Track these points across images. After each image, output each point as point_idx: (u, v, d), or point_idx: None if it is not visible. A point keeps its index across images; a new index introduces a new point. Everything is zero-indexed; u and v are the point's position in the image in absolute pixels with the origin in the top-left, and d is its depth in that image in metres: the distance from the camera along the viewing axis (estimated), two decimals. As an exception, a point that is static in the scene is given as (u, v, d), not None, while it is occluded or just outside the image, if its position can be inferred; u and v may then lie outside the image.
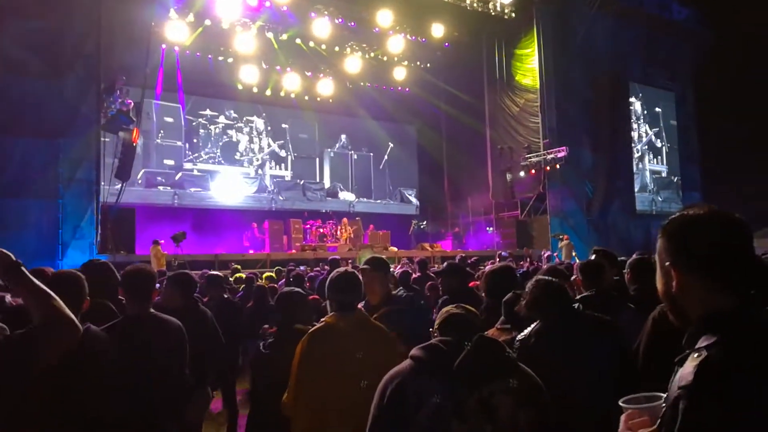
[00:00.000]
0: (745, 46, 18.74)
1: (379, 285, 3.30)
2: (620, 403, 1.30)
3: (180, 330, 2.88)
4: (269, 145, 20.79)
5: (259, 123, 20.64)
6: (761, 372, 1.04)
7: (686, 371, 1.10)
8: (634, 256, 3.83)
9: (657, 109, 22.08)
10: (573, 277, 4.01)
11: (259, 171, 20.50)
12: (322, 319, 2.74)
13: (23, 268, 1.70)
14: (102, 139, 13.94)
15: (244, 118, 20.27)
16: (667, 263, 1.23)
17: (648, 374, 2.52)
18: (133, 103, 14.12)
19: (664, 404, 1.17)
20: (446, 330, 1.82)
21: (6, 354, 1.65)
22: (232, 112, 20.00)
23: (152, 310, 2.84)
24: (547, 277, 2.63)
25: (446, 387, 1.68)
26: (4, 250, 1.69)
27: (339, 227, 17.80)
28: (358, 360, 2.47)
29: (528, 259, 15.47)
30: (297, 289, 3.59)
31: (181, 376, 2.86)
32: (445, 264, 4.83)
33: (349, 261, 11.52)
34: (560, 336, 2.38)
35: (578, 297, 3.41)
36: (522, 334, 2.48)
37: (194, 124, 19.23)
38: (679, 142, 22.51)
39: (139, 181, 17.61)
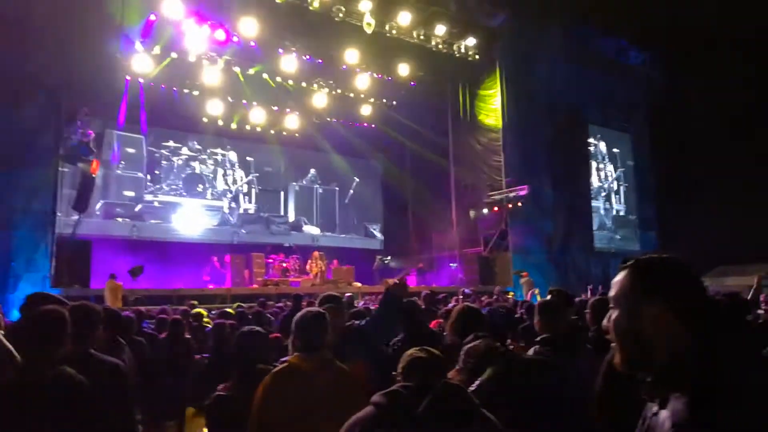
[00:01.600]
0: (700, 89, 19.58)
1: (337, 322, 3.33)
2: None
3: (115, 372, 2.75)
4: (241, 179, 20.65)
5: (231, 156, 20.52)
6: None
7: (678, 409, 1.11)
8: (590, 295, 3.90)
9: (615, 150, 22.82)
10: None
11: (233, 204, 20.29)
12: (285, 359, 2.70)
13: None
14: (60, 169, 13.63)
15: (208, 150, 20.11)
16: (644, 302, 1.24)
17: (603, 413, 2.56)
18: (93, 134, 13.90)
19: None
20: (409, 374, 1.81)
21: None
22: (195, 143, 19.81)
23: (92, 351, 2.72)
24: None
25: None
26: None
27: (310, 261, 17.61)
28: (322, 403, 2.43)
29: (494, 296, 15.56)
30: (257, 329, 3.52)
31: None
32: (403, 303, 4.80)
33: (313, 297, 11.40)
34: (512, 381, 2.40)
35: (537, 339, 3.45)
36: (476, 382, 2.48)
37: (156, 155, 18.97)
38: (636, 182, 23.24)
39: (98, 213, 17.18)
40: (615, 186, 22.71)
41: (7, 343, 1.66)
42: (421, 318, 4.61)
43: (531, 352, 3.40)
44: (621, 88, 22.31)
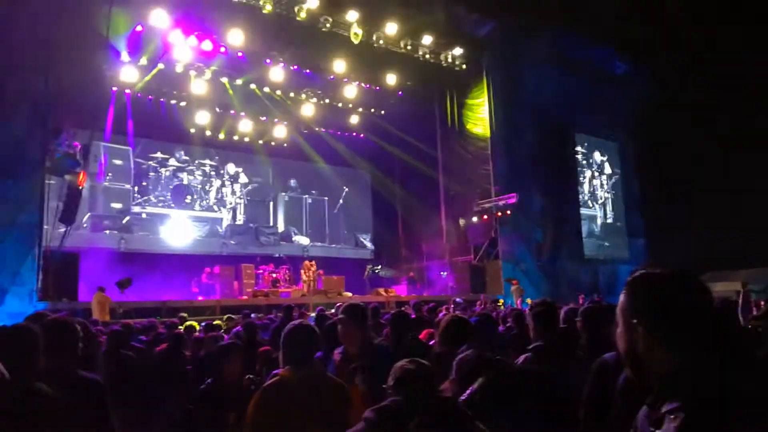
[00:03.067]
0: (684, 99, 19.82)
1: (354, 334, 3.26)
2: None
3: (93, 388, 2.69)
4: (232, 191, 20.58)
5: (220, 166, 20.46)
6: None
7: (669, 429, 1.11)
8: (581, 303, 3.91)
9: (601, 158, 23.00)
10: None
11: (223, 214, 20.21)
12: (276, 372, 2.68)
13: None
14: (47, 181, 13.50)
15: (196, 161, 20.02)
16: (635, 321, 1.25)
17: (590, 424, 2.57)
18: (80, 146, 13.77)
19: None
20: (399, 387, 1.79)
21: None
22: (182, 153, 19.70)
23: (77, 370, 2.68)
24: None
25: None
26: None
27: (302, 270, 17.51)
28: (313, 416, 2.41)
29: (482, 305, 15.57)
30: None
31: None
32: (390, 315, 4.79)
33: (303, 308, 11.36)
34: (502, 391, 2.39)
35: (530, 347, 3.45)
36: (467, 392, 2.47)
37: (144, 166, 18.86)
38: (623, 189, 23.42)
39: (85, 225, 17.02)
40: (603, 194, 22.87)
41: None
42: (410, 329, 4.58)
43: (521, 360, 3.40)
44: (608, 96, 22.51)
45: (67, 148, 13.23)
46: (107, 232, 17.71)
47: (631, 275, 1.33)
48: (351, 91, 19.04)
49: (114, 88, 16.36)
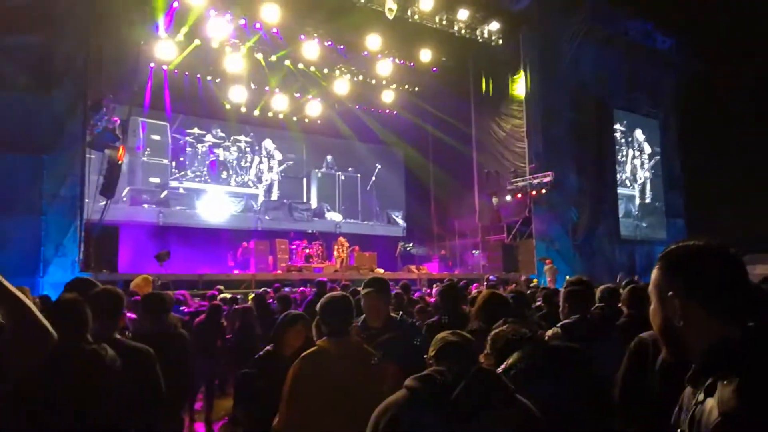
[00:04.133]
0: (729, 74, 19.16)
1: (381, 308, 3.24)
2: None
3: (143, 359, 2.75)
4: (270, 168, 20.78)
5: (266, 144, 20.65)
6: None
7: (725, 397, 1.09)
8: (618, 282, 3.85)
9: (641, 136, 22.40)
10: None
11: (260, 190, 20.45)
12: (316, 343, 2.72)
13: None
14: (87, 155, 13.82)
15: (232, 138, 20.24)
16: (670, 294, 1.23)
17: (625, 404, 2.53)
18: (119, 121, 14.04)
19: None
20: (441, 359, 1.79)
21: None
22: (219, 131, 19.95)
23: (117, 336, 2.74)
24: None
25: (444, 419, 1.65)
26: None
27: (335, 245, 17.66)
28: (349, 385, 2.44)
29: (514, 285, 15.50)
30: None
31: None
32: (441, 287, 4.78)
33: (336, 283, 11.46)
34: (538, 366, 2.37)
35: (562, 323, 3.43)
36: (501, 367, 2.47)
37: (181, 142, 19.15)
38: (663, 168, 22.81)
39: (124, 199, 17.44)
40: (642, 173, 22.33)
41: (44, 320, 1.69)
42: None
43: (549, 335, 3.38)
44: (648, 72, 21.88)
45: (106, 122, 13.50)
46: (146, 206, 18.12)
47: (664, 250, 1.31)
48: (385, 68, 18.90)
49: (152, 64, 16.57)
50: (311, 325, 3.41)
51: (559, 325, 3.42)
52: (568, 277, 4.00)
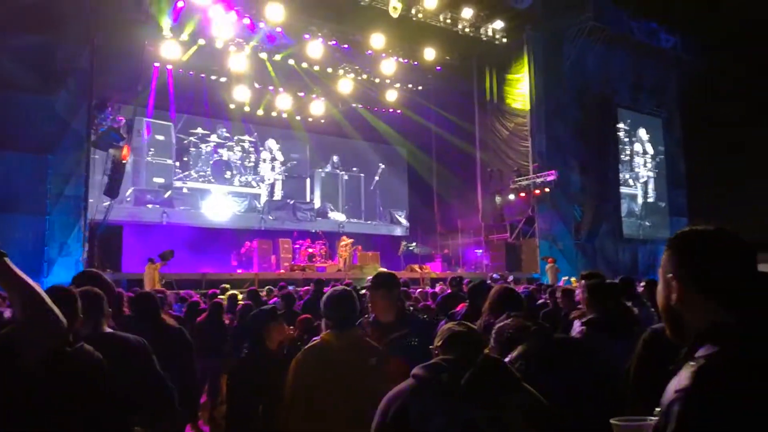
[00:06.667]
0: (733, 74, 19.09)
1: (389, 302, 3.14)
2: (612, 422, 1.31)
3: (138, 351, 2.71)
4: (273, 168, 20.80)
5: (269, 144, 20.66)
6: (760, 380, 1.04)
7: (682, 377, 1.10)
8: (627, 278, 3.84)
9: (644, 135, 22.35)
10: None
11: (263, 189, 20.49)
12: (319, 337, 2.72)
13: (6, 259, 1.66)
14: (92, 155, 13.87)
15: (236, 138, 20.26)
16: (669, 275, 1.23)
17: (636, 396, 2.52)
18: (124, 121, 14.09)
19: (653, 421, 1.17)
20: (448, 348, 1.79)
21: None
22: (224, 131, 19.98)
23: (108, 329, 2.70)
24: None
25: (452, 407, 1.65)
26: None
27: (338, 244, 17.65)
28: (351, 377, 2.44)
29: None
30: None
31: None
32: (470, 285, 4.73)
33: (339, 283, 11.45)
34: (544, 359, 2.37)
35: (585, 319, 3.43)
36: (506, 359, 2.46)
37: (185, 142, 19.18)
38: (666, 167, 22.75)
39: (128, 199, 17.48)
40: (645, 172, 22.27)
41: (53, 306, 1.68)
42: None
43: (577, 331, 3.38)
44: (652, 71, 21.85)
45: (111, 122, 13.54)
46: (149, 206, 18.15)
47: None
48: (389, 67, 18.89)
49: (156, 64, 16.61)
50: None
51: (584, 320, 3.43)
52: (573, 279, 3.99)
